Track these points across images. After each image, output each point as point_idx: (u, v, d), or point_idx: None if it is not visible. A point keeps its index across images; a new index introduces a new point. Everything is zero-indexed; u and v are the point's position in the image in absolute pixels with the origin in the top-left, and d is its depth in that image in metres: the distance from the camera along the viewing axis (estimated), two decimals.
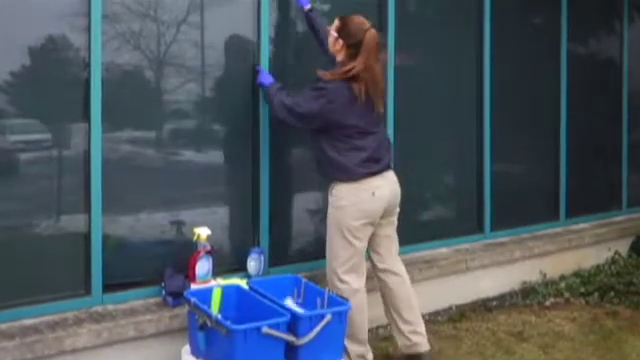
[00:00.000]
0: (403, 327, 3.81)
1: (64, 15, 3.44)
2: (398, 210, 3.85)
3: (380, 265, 3.84)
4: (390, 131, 4.53)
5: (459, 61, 5.21)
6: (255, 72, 3.99)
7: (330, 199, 3.69)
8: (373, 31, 3.60)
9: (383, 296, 3.88)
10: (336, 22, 3.69)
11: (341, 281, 3.62)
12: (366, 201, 3.59)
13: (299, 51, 4.33)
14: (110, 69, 3.58)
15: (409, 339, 3.79)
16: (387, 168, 3.73)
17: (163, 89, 3.84)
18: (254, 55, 4.05)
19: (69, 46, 3.51)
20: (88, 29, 3.48)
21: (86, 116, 3.49)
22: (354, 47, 3.57)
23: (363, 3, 4.50)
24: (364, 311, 3.69)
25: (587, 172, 6.20)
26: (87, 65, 3.49)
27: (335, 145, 3.62)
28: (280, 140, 4.10)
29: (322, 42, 3.96)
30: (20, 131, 3.47)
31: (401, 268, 3.87)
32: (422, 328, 3.85)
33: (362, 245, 3.66)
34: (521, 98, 5.65)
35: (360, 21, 3.63)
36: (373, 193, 3.60)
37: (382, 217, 3.71)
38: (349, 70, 3.53)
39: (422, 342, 3.82)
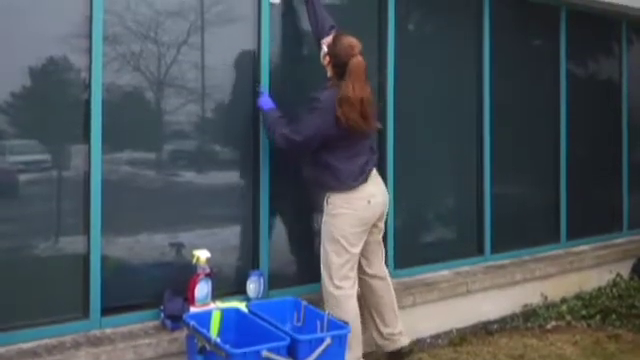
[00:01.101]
0: (383, 329, 3.96)
1: (65, 37, 3.46)
2: (386, 217, 3.95)
3: (368, 270, 3.93)
4: (390, 152, 4.54)
5: (458, 82, 5.23)
6: (257, 94, 4.00)
7: (326, 208, 3.77)
8: (359, 58, 3.63)
9: (364, 299, 3.96)
10: (330, 37, 3.78)
11: (336, 287, 3.70)
12: (362, 209, 3.70)
13: (300, 72, 4.33)
14: (110, 90, 3.58)
15: (389, 339, 3.96)
16: (372, 170, 3.82)
17: (163, 110, 3.84)
18: (254, 76, 4.06)
19: (70, 67, 3.52)
20: (89, 50, 3.49)
21: (86, 137, 3.49)
22: (339, 67, 3.66)
23: (363, 22, 4.52)
24: (358, 316, 3.77)
25: (587, 193, 6.18)
26: (88, 86, 3.49)
27: (334, 155, 3.70)
28: (280, 162, 4.09)
29: (318, 36, 3.97)
30: (20, 152, 3.46)
31: (386, 273, 3.99)
32: (400, 327, 3.99)
33: (356, 252, 3.75)
34: (521, 120, 5.65)
35: (349, 44, 3.67)
36: (369, 201, 3.71)
37: (374, 224, 3.83)
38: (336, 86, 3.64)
39: (401, 339, 3.97)
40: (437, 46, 5.11)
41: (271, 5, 4.08)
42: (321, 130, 3.63)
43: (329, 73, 3.79)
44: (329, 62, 3.74)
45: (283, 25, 4.22)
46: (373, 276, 3.94)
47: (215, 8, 3.98)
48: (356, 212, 3.70)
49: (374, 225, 3.83)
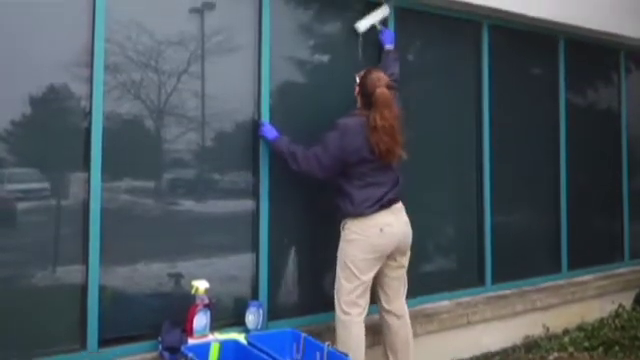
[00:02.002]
0: None
1: (67, 65, 3.47)
2: (409, 253, 3.94)
3: (386, 306, 3.95)
4: None
5: (458, 112, 5.23)
6: (257, 125, 4.02)
7: (342, 233, 3.82)
8: (382, 89, 3.76)
9: (383, 334, 3.99)
10: (363, 71, 3.96)
11: (344, 312, 3.74)
12: (374, 236, 3.72)
13: (299, 101, 4.33)
14: (111, 118, 3.58)
15: None
16: (396, 202, 3.85)
17: (163, 139, 3.83)
18: (254, 105, 4.07)
19: (71, 96, 3.52)
20: (90, 79, 3.50)
21: (86, 165, 3.48)
22: (366, 97, 3.81)
23: (365, 51, 4.55)
24: (362, 342, 3.77)
25: (588, 223, 6.16)
26: (88, 114, 3.50)
27: (352, 182, 3.78)
28: (280, 192, 4.08)
29: None
30: (19, 180, 3.44)
31: (404, 310, 3.99)
32: None
33: (366, 279, 3.76)
34: (521, 149, 5.65)
35: (377, 76, 3.85)
36: (381, 229, 3.73)
37: (393, 257, 3.85)
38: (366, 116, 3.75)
39: None
40: (435, 76, 5.13)
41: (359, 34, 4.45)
42: (341, 151, 3.71)
43: (358, 104, 3.92)
44: (358, 92, 3.91)
45: (284, 54, 4.23)
46: (389, 312, 3.95)
47: (216, 37, 3.99)
48: (368, 239, 3.72)
49: (393, 259, 3.86)
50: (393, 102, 3.79)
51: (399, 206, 3.88)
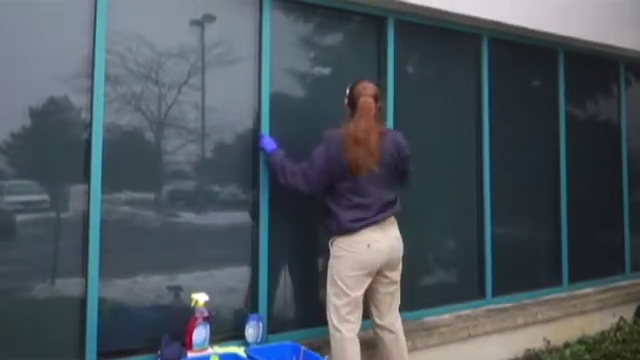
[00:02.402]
0: None
1: (67, 77, 3.47)
2: (400, 268, 3.88)
3: (378, 321, 3.90)
4: None
5: (458, 125, 5.23)
6: (257, 137, 4.01)
7: (330, 250, 3.78)
8: (365, 98, 3.76)
9: (379, 349, 3.95)
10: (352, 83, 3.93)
11: (336, 329, 3.69)
12: (361, 253, 3.68)
13: (299, 113, 4.33)
14: (111, 130, 3.58)
15: None
16: (386, 219, 3.77)
17: (163, 150, 3.83)
18: (254, 117, 4.07)
19: (71, 107, 3.52)
20: (91, 90, 3.50)
21: (86, 177, 3.48)
22: (352, 107, 3.83)
23: (363, 69, 4.54)
24: (357, 358, 3.71)
25: (589, 236, 6.14)
26: (88, 126, 3.50)
27: (337, 200, 3.74)
28: (280, 204, 4.06)
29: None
30: (19, 192, 3.43)
31: (398, 326, 3.93)
32: None
33: (356, 295, 3.72)
34: (521, 162, 5.64)
35: (363, 86, 3.83)
36: (368, 245, 3.68)
37: (382, 273, 3.80)
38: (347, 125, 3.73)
39: None
40: (435, 88, 5.13)
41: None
42: (327, 163, 3.67)
43: (348, 114, 3.88)
44: (347, 104, 3.89)
45: (284, 66, 4.23)
46: (382, 328, 3.89)
47: (216, 49, 4.00)
48: (356, 255, 3.68)
49: (383, 275, 3.80)
50: (372, 112, 3.72)
51: (390, 220, 3.81)
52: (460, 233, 5.23)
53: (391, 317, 3.91)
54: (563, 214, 5.89)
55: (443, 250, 5.17)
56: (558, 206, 5.90)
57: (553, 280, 5.81)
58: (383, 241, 3.73)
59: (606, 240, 6.41)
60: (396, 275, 3.88)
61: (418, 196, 4.76)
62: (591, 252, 6.14)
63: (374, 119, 3.73)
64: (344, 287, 3.68)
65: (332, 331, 3.72)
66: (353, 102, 3.80)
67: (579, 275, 5.96)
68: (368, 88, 3.81)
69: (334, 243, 3.77)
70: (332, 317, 3.72)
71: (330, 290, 3.75)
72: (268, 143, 3.93)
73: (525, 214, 5.69)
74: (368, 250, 3.68)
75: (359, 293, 3.72)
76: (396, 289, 3.91)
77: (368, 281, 3.76)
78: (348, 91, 3.89)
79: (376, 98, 3.79)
